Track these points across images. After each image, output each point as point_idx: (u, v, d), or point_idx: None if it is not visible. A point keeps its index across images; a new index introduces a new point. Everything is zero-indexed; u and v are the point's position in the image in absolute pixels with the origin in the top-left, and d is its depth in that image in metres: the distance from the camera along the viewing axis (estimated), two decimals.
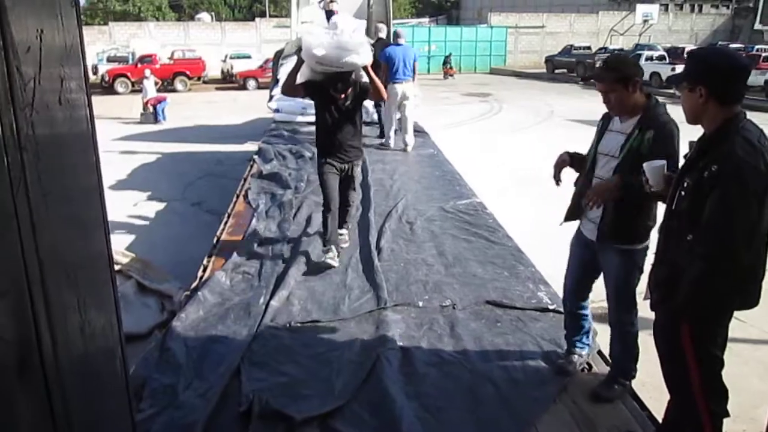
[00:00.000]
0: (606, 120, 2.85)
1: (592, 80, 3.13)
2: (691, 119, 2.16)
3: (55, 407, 1.11)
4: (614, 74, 2.64)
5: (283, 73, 9.46)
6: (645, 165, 2.35)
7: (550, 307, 3.80)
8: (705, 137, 2.13)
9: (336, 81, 4.25)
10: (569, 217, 2.98)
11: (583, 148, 3.01)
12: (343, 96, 4.32)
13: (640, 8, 35.13)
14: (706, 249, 2.03)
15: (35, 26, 1.07)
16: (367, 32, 8.94)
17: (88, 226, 1.33)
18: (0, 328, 0.96)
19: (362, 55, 4.21)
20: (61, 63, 1.19)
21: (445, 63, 30.87)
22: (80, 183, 1.31)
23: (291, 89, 4.47)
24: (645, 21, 35.02)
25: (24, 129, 1.01)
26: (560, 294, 4.00)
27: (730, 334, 2.23)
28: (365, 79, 4.45)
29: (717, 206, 1.99)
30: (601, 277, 2.93)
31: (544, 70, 31.99)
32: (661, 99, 2.83)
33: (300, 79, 4.38)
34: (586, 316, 3.13)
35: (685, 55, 2.53)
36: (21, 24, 1.00)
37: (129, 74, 23.59)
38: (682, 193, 2.14)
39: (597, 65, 21.66)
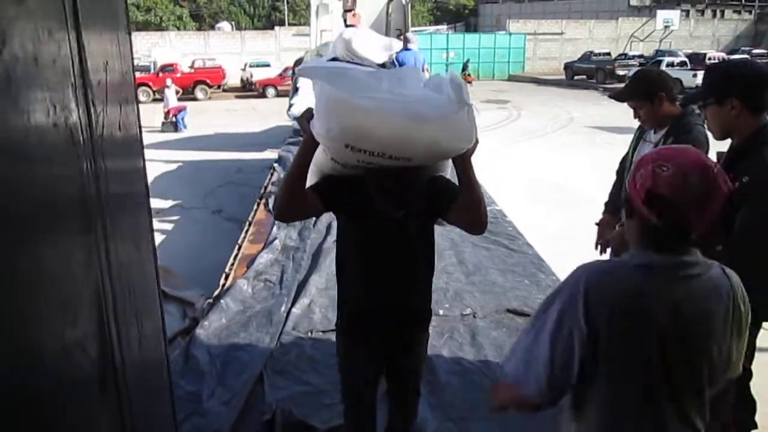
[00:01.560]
0: (642, 129, 2.85)
1: (615, 99, 3.07)
2: (722, 134, 2.13)
3: (125, 421, 1.13)
4: (636, 92, 2.63)
5: (302, 84, 9.17)
6: None
7: None
8: (734, 148, 2.11)
9: (390, 183, 1.87)
10: None
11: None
12: (403, 213, 1.93)
13: (661, 14, 34.90)
14: (737, 261, 2.00)
15: (103, 59, 1.11)
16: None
17: (139, 239, 1.36)
18: (87, 350, 0.98)
19: (458, 132, 1.75)
20: (120, 90, 1.22)
21: (463, 70, 30.81)
22: (134, 200, 1.34)
23: (293, 206, 1.86)
24: (666, 27, 34.75)
25: (98, 160, 1.03)
26: None
27: (758, 345, 2.20)
28: (444, 170, 2.02)
29: (748, 217, 1.96)
30: None
31: (563, 77, 31.80)
32: None
33: (311, 178, 1.92)
34: None
35: (704, 71, 2.49)
36: (94, 60, 1.03)
37: (150, 83, 23.91)
38: None
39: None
